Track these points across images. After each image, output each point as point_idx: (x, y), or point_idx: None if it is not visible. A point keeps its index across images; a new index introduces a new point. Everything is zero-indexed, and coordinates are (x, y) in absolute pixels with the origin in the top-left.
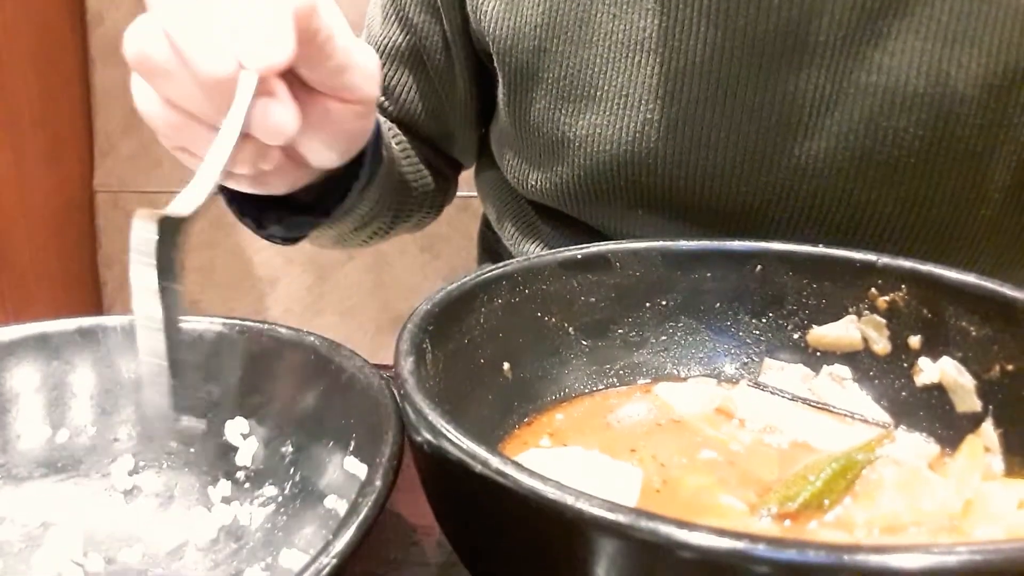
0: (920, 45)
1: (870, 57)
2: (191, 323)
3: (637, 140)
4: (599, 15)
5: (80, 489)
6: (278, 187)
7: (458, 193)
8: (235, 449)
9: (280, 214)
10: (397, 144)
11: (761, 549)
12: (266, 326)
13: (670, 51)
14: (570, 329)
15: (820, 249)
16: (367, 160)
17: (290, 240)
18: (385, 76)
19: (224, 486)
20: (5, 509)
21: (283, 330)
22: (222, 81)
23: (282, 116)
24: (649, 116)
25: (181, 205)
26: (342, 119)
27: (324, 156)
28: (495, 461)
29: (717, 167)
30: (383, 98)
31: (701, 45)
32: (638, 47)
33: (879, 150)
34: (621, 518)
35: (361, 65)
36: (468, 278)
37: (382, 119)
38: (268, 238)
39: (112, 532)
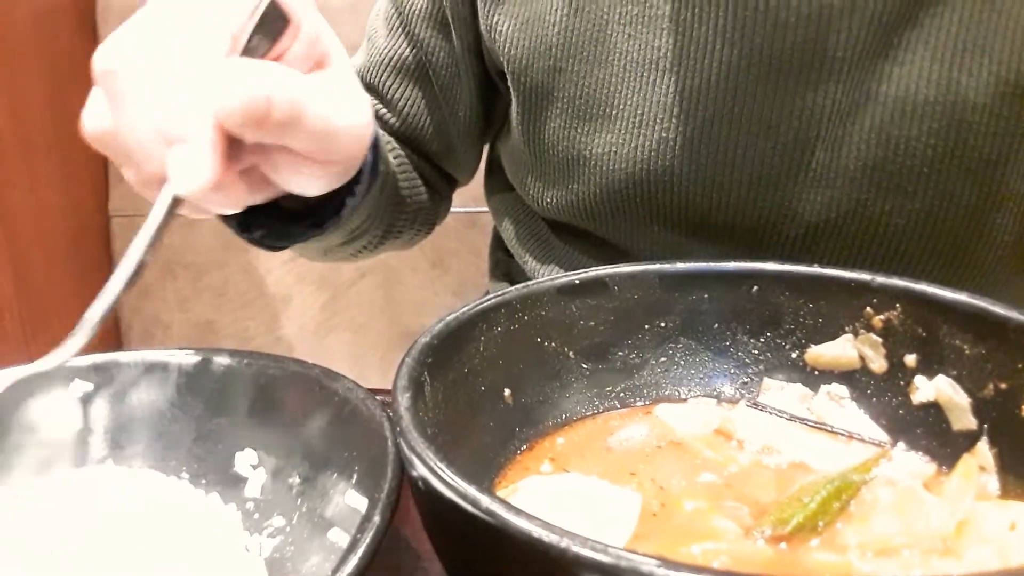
0: (930, 55)
1: (881, 68)
2: (201, 356)
3: (653, 158)
4: (614, 35)
5: (95, 520)
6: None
7: (467, 208)
8: (244, 480)
9: (268, 220)
10: (395, 158)
11: None
12: (272, 358)
13: (685, 70)
14: (570, 353)
15: (815, 269)
16: (364, 178)
17: (276, 247)
18: (389, 90)
19: (234, 516)
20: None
21: (289, 362)
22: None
23: (213, 203)
24: (665, 134)
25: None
26: (319, 173)
27: (302, 189)
28: (485, 501)
29: (733, 183)
30: (387, 111)
31: (717, 64)
32: (653, 66)
33: (891, 159)
34: (603, 557)
35: (344, 129)
36: (466, 308)
37: (381, 132)
38: (253, 242)
39: (126, 563)
